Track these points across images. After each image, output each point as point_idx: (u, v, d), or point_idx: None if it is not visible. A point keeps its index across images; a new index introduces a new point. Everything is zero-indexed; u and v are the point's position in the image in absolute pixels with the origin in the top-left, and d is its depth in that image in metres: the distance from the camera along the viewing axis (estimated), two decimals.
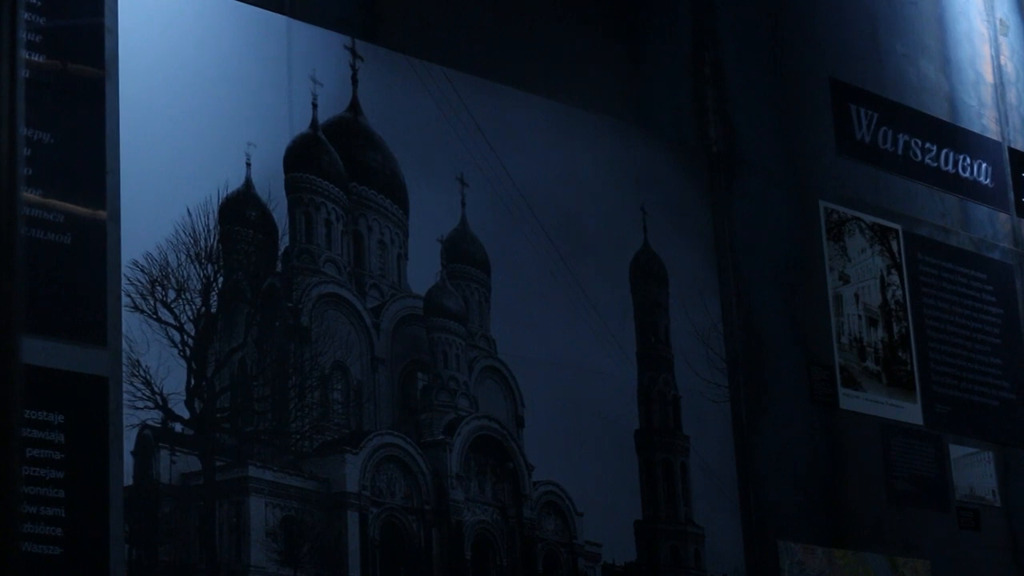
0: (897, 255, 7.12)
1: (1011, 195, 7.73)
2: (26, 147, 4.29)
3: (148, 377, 4.56)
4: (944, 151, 7.46)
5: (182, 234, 4.74)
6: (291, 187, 5.09)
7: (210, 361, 4.76)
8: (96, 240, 4.49)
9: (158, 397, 4.59)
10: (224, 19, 5.00)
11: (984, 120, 7.73)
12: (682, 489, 5.99)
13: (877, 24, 7.33)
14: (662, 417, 6.01)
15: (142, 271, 4.62)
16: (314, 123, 5.21)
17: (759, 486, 6.23)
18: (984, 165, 7.64)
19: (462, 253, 5.55)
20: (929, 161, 7.39)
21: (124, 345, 4.51)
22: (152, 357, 4.59)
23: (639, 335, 6.03)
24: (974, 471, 7.10)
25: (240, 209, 4.92)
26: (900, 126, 7.29)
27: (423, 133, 5.49)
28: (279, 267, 5.01)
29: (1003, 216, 7.68)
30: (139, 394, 4.53)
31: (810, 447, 6.51)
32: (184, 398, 4.66)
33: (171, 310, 4.68)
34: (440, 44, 5.62)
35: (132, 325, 4.55)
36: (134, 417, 4.51)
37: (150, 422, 4.55)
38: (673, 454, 6.00)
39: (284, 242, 5.04)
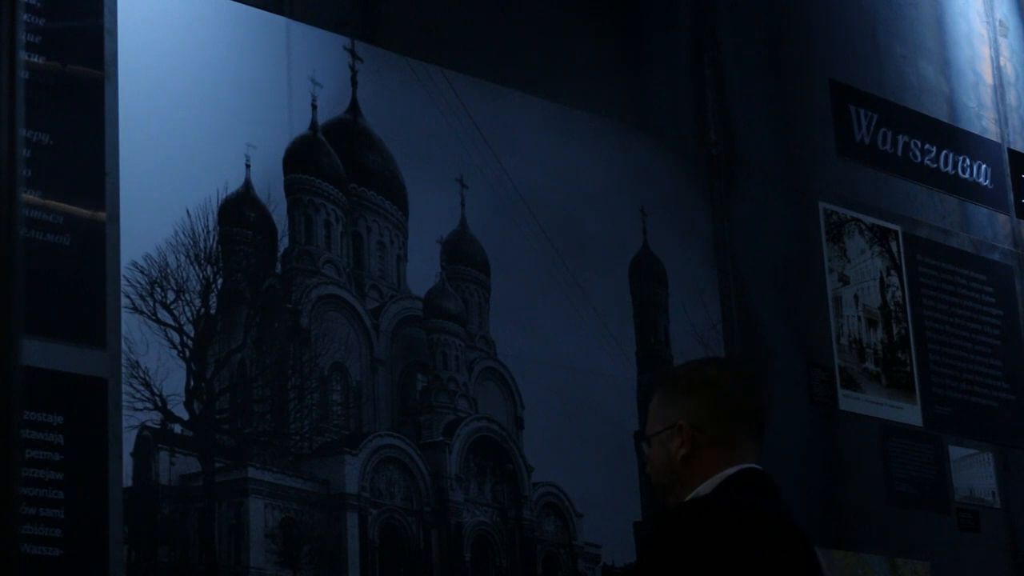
0: (897, 256, 7.11)
1: (1011, 196, 7.73)
2: (25, 148, 4.29)
3: (147, 378, 4.56)
4: (944, 152, 7.45)
5: (181, 235, 4.74)
6: (290, 188, 5.09)
7: (209, 362, 4.75)
8: (95, 241, 4.49)
9: (157, 398, 4.58)
10: (224, 20, 5.00)
11: (984, 121, 7.72)
12: None
13: (877, 25, 7.33)
14: None
15: (141, 272, 4.62)
16: (314, 124, 5.20)
17: None
18: (984, 166, 7.63)
19: (462, 254, 5.55)
20: (929, 162, 7.39)
21: (123, 346, 4.51)
22: (151, 358, 4.58)
23: (639, 335, 6.02)
24: (974, 472, 7.10)
25: (239, 210, 4.92)
26: (900, 127, 7.28)
27: (423, 134, 5.49)
28: (278, 268, 5.01)
29: (1003, 217, 7.68)
30: (138, 395, 4.53)
31: (809, 448, 6.50)
32: (183, 399, 4.66)
33: (170, 311, 4.68)
34: (440, 46, 5.61)
35: (131, 326, 4.55)
36: (133, 418, 4.51)
37: (149, 423, 4.55)
38: None
39: (283, 243, 5.04)
